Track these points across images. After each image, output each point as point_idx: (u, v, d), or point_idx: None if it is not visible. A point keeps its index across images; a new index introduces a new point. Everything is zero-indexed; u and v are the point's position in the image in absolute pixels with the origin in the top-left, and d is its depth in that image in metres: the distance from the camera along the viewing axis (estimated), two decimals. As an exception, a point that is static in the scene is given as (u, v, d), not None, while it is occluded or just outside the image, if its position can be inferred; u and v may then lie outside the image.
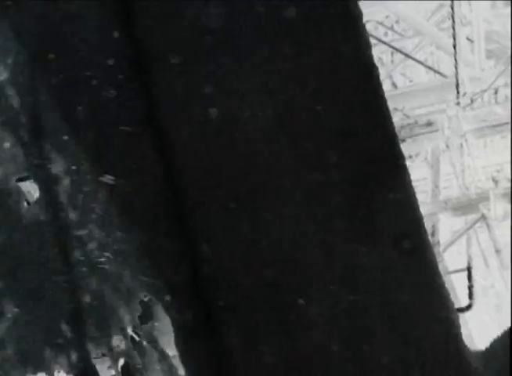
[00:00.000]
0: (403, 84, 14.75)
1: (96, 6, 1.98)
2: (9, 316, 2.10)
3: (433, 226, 10.44)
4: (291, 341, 1.93)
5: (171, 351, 2.06)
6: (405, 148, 11.73)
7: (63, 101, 2.03)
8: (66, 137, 2.00)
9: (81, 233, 2.08)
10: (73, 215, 2.08)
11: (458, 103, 11.38)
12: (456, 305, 10.39)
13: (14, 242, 2.08)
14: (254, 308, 1.94)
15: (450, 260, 10.65)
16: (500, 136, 11.88)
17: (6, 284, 2.11)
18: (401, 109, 13.08)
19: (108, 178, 1.92)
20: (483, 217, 10.19)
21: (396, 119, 12.57)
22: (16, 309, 2.11)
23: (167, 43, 2.03)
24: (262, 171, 1.98)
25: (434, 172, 11.72)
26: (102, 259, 2.04)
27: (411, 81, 15.05)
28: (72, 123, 2.03)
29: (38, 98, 2.01)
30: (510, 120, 11.10)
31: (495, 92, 11.36)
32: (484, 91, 11.17)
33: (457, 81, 11.10)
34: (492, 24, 12.46)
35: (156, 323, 2.07)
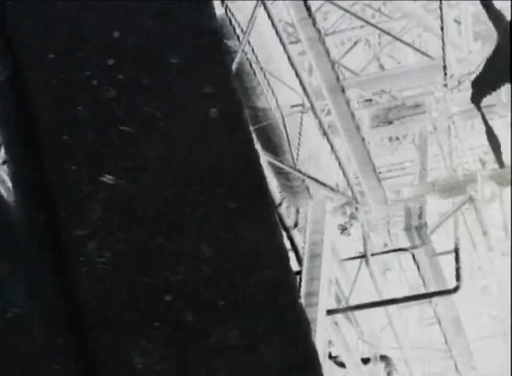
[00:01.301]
0: (391, 66, 14.75)
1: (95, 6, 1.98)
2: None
3: (420, 208, 10.52)
4: (290, 343, 1.94)
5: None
6: (393, 130, 11.77)
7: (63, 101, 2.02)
8: (65, 137, 2.00)
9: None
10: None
11: (445, 85, 11.42)
12: (444, 287, 10.47)
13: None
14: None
15: (438, 242, 10.74)
16: (487, 118, 11.92)
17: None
18: (388, 91, 13.08)
19: (108, 178, 1.92)
20: (470, 199, 10.26)
21: (384, 101, 12.58)
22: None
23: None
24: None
25: (422, 154, 11.77)
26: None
27: (398, 63, 15.05)
28: (72, 123, 2.03)
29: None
30: (495, 101, 11.14)
31: (483, 74, 11.38)
32: (472, 73, 11.19)
33: (444, 62, 11.13)
34: (480, 6, 12.45)
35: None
